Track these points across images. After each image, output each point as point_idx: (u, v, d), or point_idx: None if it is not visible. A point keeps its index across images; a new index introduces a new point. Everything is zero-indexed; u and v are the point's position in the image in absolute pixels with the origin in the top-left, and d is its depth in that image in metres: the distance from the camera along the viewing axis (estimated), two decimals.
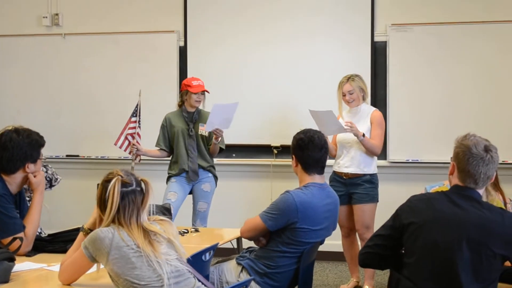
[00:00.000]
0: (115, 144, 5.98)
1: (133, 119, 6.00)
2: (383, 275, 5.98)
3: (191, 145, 5.97)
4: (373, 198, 5.57)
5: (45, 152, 3.87)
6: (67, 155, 7.43)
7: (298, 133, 3.96)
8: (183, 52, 7.17)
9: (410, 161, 6.69)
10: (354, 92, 5.55)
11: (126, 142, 5.98)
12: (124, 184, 2.91)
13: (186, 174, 5.99)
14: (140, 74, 7.23)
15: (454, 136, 3.10)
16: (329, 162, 4.05)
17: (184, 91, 5.99)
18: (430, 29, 6.64)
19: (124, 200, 2.89)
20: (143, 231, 2.89)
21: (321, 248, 4.08)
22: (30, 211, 3.76)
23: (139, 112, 6.01)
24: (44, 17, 7.52)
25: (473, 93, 6.60)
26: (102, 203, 2.93)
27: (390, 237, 3.05)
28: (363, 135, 5.45)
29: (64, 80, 7.47)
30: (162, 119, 6.09)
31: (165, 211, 4.37)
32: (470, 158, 2.92)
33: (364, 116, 5.61)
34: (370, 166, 5.58)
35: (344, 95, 5.59)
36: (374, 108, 5.77)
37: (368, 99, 5.78)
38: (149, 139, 6.18)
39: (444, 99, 6.63)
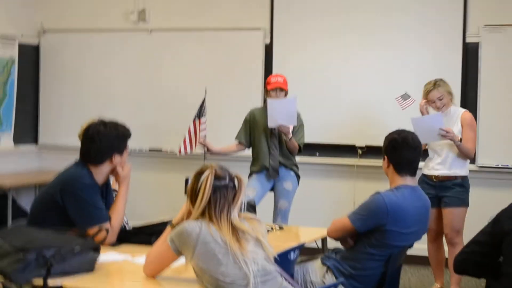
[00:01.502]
0: (179, 153, 5.97)
1: (203, 119, 5.97)
2: (467, 282, 5.78)
3: (273, 142, 5.90)
4: (464, 201, 5.39)
5: (129, 145, 3.86)
6: (150, 149, 7.48)
7: (391, 133, 3.86)
8: (269, 50, 7.11)
9: (500, 166, 6.44)
10: (444, 98, 5.38)
11: (188, 144, 5.96)
12: (217, 177, 2.87)
13: (266, 171, 5.93)
14: (225, 71, 7.22)
15: None
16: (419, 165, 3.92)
17: (265, 88, 5.96)
18: None
19: (215, 194, 2.85)
20: (232, 228, 2.84)
21: None
22: (116, 203, 3.77)
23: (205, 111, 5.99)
24: (131, 13, 7.60)
25: None
26: (193, 195, 2.89)
27: (489, 243, 2.92)
28: (460, 139, 5.29)
29: (148, 76, 7.52)
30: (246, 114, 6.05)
31: (250, 207, 4.32)
32: None
33: (455, 119, 5.43)
34: (462, 168, 5.40)
35: (433, 102, 5.42)
36: (464, 110, 5.57)
37: (454, 99, 5.60)
38: (232, 135, 6.11)
39: None
